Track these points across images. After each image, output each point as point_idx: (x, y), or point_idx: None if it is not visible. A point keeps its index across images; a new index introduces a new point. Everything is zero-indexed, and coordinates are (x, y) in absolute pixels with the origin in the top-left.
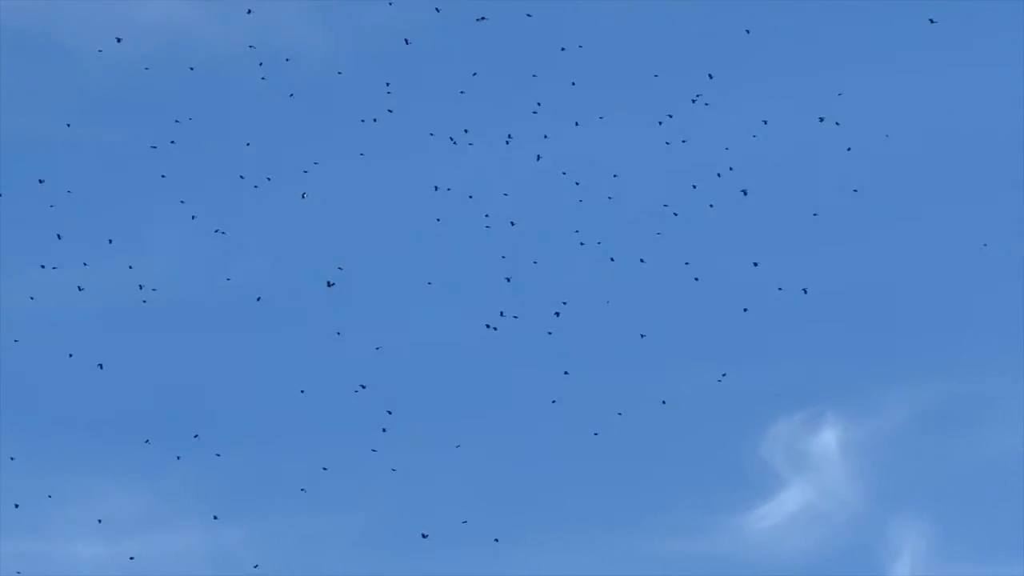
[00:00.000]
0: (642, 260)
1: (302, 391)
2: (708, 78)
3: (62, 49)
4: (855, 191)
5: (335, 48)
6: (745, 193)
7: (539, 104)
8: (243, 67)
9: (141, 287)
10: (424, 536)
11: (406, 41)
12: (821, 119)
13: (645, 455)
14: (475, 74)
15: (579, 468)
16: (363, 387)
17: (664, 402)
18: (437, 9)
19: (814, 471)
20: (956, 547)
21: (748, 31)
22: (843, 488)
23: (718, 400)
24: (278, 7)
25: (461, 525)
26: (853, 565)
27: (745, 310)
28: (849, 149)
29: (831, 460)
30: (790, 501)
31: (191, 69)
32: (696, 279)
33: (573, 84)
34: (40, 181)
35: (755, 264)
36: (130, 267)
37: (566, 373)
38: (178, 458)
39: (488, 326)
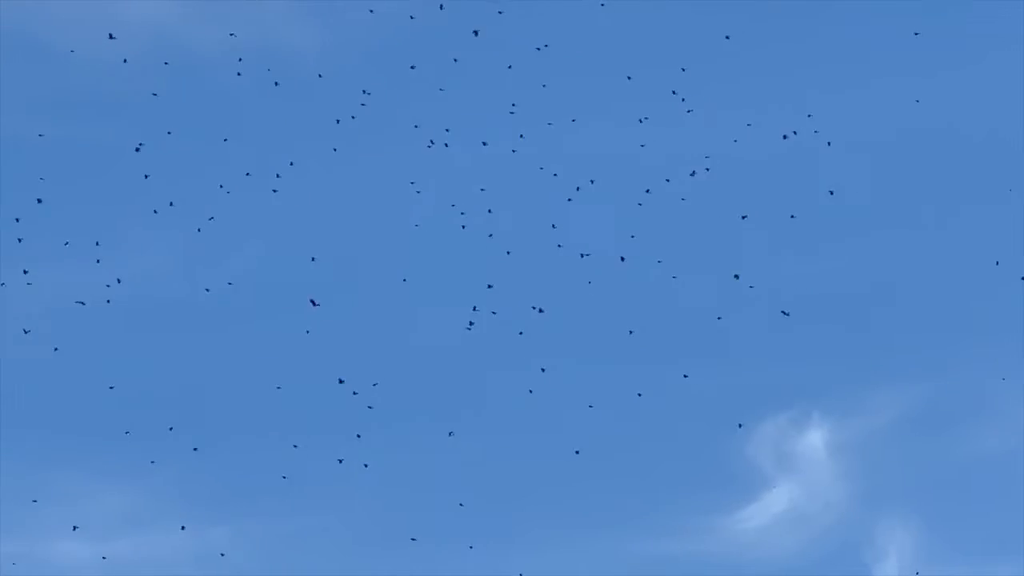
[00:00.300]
0: (622, 258)
1: (278, 387)
2: (682, 71)
3: (41, 47)
4: (831, 192)
5: (319, 45)
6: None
7: (514, 105)
8: (223, 63)
9: (108, 286)
10: (413, 540)
11: (412, 67)
12: (784, 137)
13: (630, 455)
14: (456, 60)
15: (563, 468)
16: (342, 381)
17: (640, 394)
18: (411, 16)
19: (800, 472)
20: (943, 548)
21: (728, 37)
22: (829, 489)
23: (704, 400)
24: (261, 5)
25: (444, 524)
26: (839, 566)
27: (719, 318)
28: (829, 143)
29: (817, 461)
30: (776, 502)
31: (166, 63)
32: (674, 277)
33: (544, 86)
34: (38, 198)
35: (736, 277)
36: (98, 260)
37: (543, 370)
38: (152, 462)
39: (469, 324)
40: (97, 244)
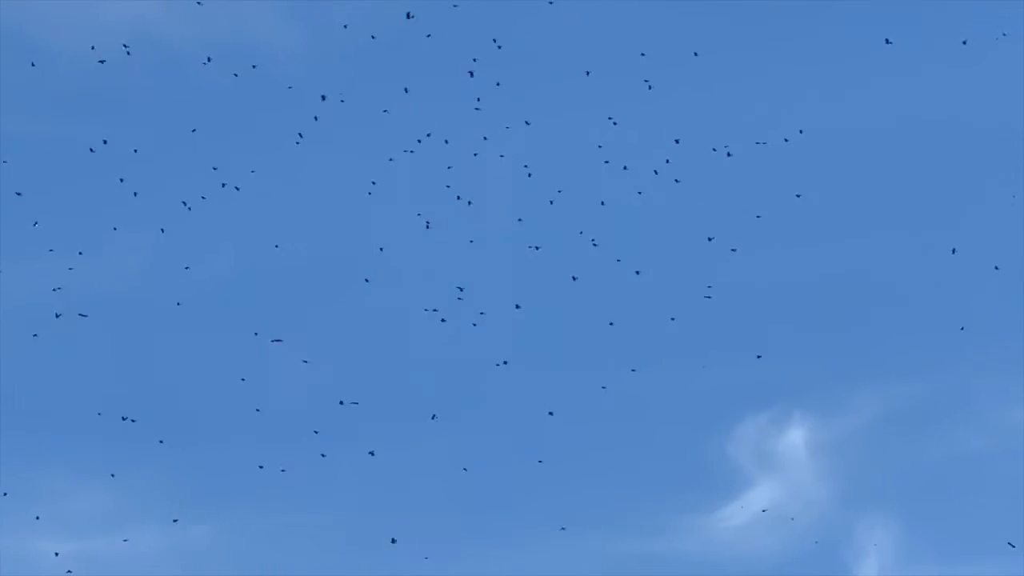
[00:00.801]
0: (594, 242)
1: (242, 379)
2: (646, 78)
3: (19, 44)
4: (798, 196)
5: (296, 47)
6: (711, 239)
7: (479, 98)
8: (202, 63)
9: (56, 290)
10: (393, 541)
11: (405, 90)
12: (729, 154)
13: (612, 455)
14: (429, 36)
15: (545, 468)
16: (306, 361)
17: (604, 387)
18: (373, 36)
19: (781, 471)
20: (922, 547)
21: (696, 53)
22: (810, 488)
23: (685, 399)
24: (241, 5)
25: (427, 524)
26: (820, 565)
27: (672, 318)
28: (801, 131)
29: (798, 460)
30: (757, 500)
31: (127, 53)
32: (637, 272)
33: (498, 84)
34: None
35: (709, 291)
36: (78, 253)
37: (505, 363)
38: (112, 476)
39: (442, 320)
40: (80, 254)
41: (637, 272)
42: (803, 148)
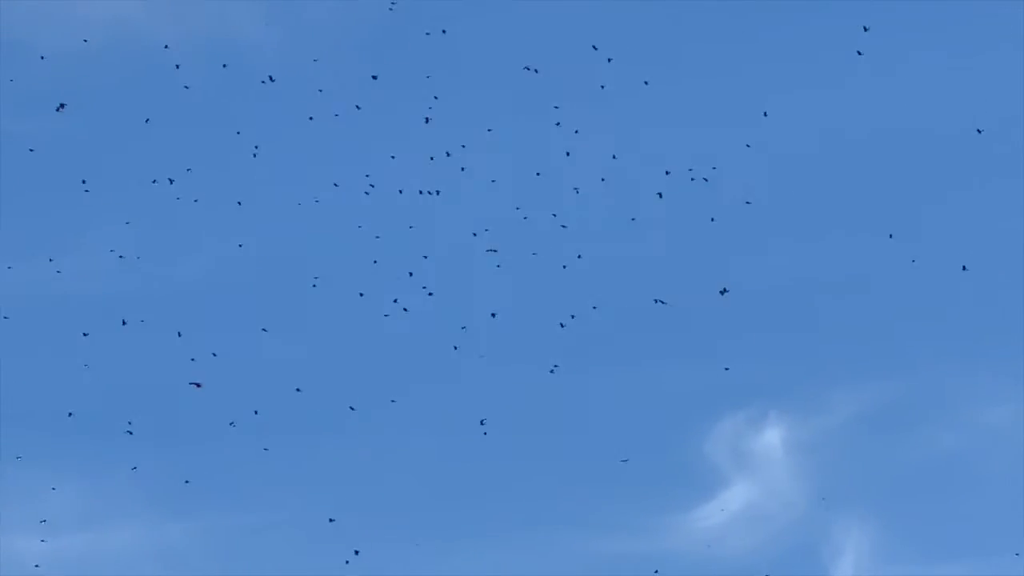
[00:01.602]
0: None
1: (192, 359)
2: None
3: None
4: (749, 203)
5: (276, 44)
6: (724, 292)
7: (431, 106)
8: (182, 60)
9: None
10: (356, 552)
11: (374, 77)
12: (668, 172)
13: (589, 453)
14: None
15: (522, 467)
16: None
17: (553, 370)
18: (326, 84)
19: (758, 470)
20: (899, 547)
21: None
22: (787, 487)
23: (661, 399)
24: (225, 5)
25: (404, 521)
26: (796, 565)
27: (602, 308)
28: (765, 114)
29: (775, 459)
30: (733, 500)
31: (84, 41)
32: (579, 256)
33: (436, 98)
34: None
35: (660, 302)
36: (50, 260)
37: (479, 356)
38: (53, 489)
39: (404, 309)
40: (48, 264)
41: (579, 256)
42: (784, 147)
